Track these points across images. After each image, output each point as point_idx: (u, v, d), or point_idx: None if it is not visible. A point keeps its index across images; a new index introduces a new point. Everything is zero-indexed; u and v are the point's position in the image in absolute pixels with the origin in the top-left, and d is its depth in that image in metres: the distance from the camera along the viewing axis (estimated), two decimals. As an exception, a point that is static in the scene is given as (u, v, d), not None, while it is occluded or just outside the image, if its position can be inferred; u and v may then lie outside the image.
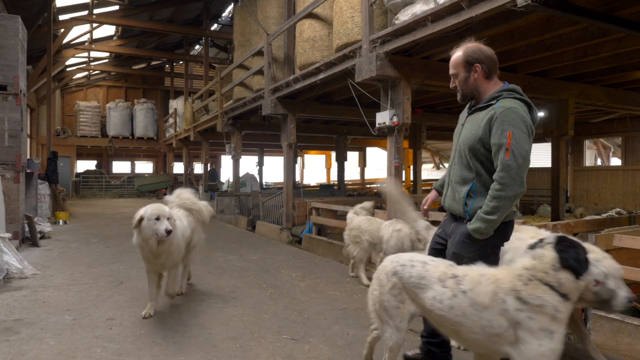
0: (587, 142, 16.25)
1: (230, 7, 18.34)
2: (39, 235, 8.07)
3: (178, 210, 4.50)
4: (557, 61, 6.72)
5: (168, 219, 3.70)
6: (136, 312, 4.14)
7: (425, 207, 3.07)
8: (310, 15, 7.52)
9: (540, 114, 11.32)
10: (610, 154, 20.53)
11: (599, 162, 20.59)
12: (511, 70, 7.07)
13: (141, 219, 3.69)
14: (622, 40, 5.77)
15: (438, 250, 2.82)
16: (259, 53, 9.73)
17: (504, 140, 2.37)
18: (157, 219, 3.66)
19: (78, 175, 23.79)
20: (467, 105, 2.77)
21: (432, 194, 3.09)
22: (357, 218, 5.59)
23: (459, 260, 2.48)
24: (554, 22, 5.22)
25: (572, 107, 7.81)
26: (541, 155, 17.65)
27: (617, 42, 5.86)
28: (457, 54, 2.65)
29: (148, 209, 3.72)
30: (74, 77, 23.63)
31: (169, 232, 3.62)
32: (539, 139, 15.02)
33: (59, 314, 4.07)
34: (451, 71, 2.67)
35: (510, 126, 2.37)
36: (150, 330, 3.67)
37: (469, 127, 2.59)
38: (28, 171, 9.00)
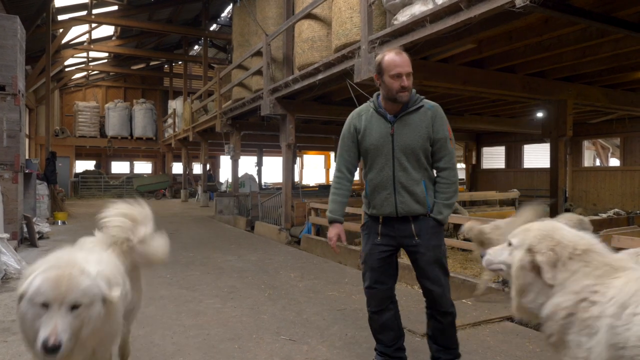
0: (585, 143, 16.27)
1: (229, 7, 18.35)
2: (37, 236, 8.07)
3: (104, 249, 2.33)
4: (555, 62, 6.72)
5: (74, 307, 1.71)
6: (134, 312, 4.13)
7: (340, 242, 2.85)
8: (309, 16, 7.52)
9: (539, 114, 11.36)
10: (609, 154, 20.54)
11: (597, 163, 20.61)
12: (510, 71, 7.08)
13: (21, 297, 1.75)
14: (620, 41, 5.78)
15: (387, 257, 2.72)
16: (258, 53, 9.73)
17: (446, 133, 2.68)
18: (45, 305, 1.69)
19: (77, 175, 23.79)
20: (380, 115, 2.68)
21: (340, 228, 2.80)
22: None
23: (438, 250, 2.68)
24: (553, 23, 5.23)
25: (571, 107, 7.81)
26: (541, 156, 17.71)
27: (615, 42, 5.87)
28: (406, 54, 2.64)
29: (37, 278, 1.74)
30: (72, 77, 23.64)
31: (51, 349, 1.61)
32: (538, 139, 15.10)
33: (57, 315, 4.06)
34: (408, 69, 2.60)
35: (446, 121, 2.71)
36: (148, 332, 3.66)
37: (409, 131, 2.63)
38: (26, 171, 8.98)
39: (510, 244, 1.95)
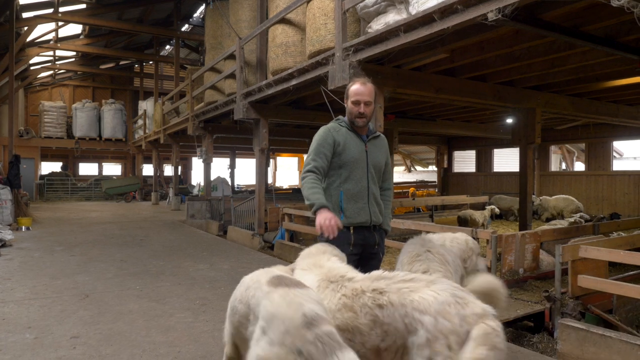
0: (552, 147, 16.73)
1: (202, 7, 18.07)
2: (-1, 244, 7.74)
3: None
4: (525, 71, 6.87)
5: None
6: (102, 329, 3.99)
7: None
8: (283, 21, 7.45)
9: (509, 120, 11.61)
10: (574, 158, 21.21)
11: (563, 166, 21.24)
12: (481, 80, 7.20)
13: None
14: (587, 53, 5.95)
15: (356, 266, 2.63)
16: (231, 56, 9.60)
17: (389, 160, 3.21)
18: None
19: (42, 177, 23.00)
20: (355, 134, 2.95)
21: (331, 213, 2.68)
22: None
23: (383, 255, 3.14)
24: (523, 35, 5.34)
25: (539, 115, 8.00)
26: (510, 160, 18.10)
27: (582, 55, 6.04)
28: (370, 85, 2.92)
29: None
30: (38, 76, 22.84)
31: None
32: (506, 144, 15.43)
33: (20, 332, 3.89)
34: (367, 99, 2.87)
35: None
36: (116, 350, 3.54)
37: (375, 152, 3.01)
38: (-13, 176, 8.63)
39: None
